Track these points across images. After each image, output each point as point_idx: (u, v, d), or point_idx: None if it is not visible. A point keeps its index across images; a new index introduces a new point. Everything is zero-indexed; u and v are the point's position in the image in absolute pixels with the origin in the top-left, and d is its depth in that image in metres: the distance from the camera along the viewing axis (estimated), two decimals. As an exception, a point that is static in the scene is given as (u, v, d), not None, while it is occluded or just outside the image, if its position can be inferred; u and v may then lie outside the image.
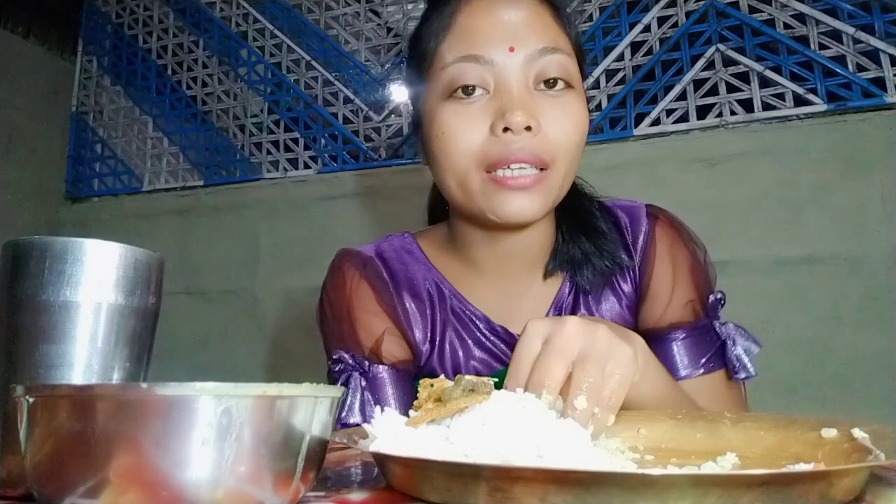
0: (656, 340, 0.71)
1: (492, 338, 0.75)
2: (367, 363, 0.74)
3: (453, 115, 0.66)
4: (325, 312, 0.79)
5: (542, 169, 0.65)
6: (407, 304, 0.77)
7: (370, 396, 0.72)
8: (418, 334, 0.76)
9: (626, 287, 0.76)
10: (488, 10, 0.67)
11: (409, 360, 0.76)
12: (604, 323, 0.50)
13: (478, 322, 0.75)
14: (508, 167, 0.64)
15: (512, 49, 0.65)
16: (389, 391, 0.72)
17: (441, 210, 0.83)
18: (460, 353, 0.75)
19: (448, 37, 0.68)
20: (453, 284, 0.77)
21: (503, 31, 0.66)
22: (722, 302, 0.75)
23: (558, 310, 0.76)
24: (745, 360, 0.70)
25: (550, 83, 0.66)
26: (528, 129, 0.63)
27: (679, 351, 0.71)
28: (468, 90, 0.66)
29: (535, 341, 0.49)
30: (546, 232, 0.75)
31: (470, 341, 0.75)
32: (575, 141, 0.67)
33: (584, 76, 0.73)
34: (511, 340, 0.74)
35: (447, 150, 0.66)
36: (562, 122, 0.66)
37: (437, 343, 0.76)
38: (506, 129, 0.63)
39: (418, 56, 0.72)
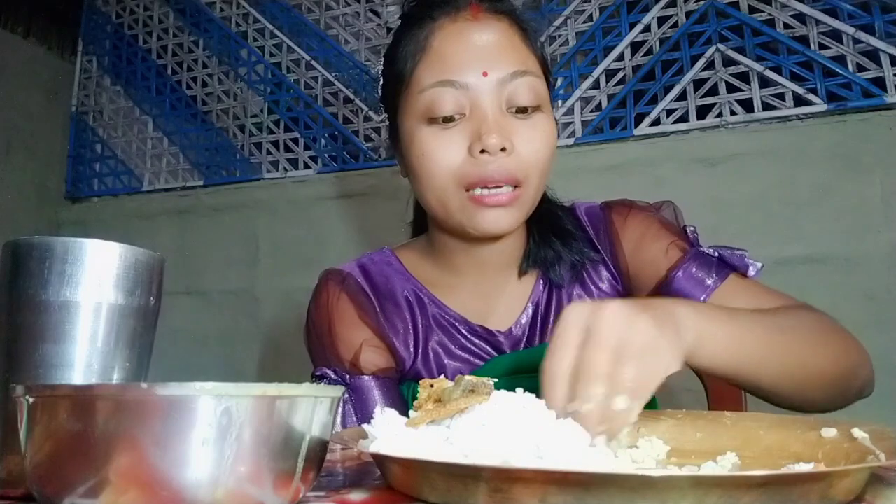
0: (665, 289, 0.73)
1: (472, 338, 0.78)
2: (347, 376, 0.76)
3: (433, 138, 0.70)
4: (310, 332, 0.82)
5: (516, 186, 0.69)
6: (389, 314, 0.79)
7: (352, 410, 0.74)
8: (402, 342, 0.78)
9: (602, 284, 0.80)
10: (461, 34, 0.71)
11: (390, 368, 0.78)
12: (646, 310, 0.49)
13: (458, 325, 0.79)
14: (486, 187, 0.68)
15: (485, 74, 0.69)
16: (375, 395, 0.74)
17: (423, 223, 0.87)
18: (443, 356, 0.78)
19: (423, 60, 0.72)
20: (432, 291, 0.80)
21: (476, 55, 0.70)
22: (696, 233, 0.78)
23: (534, 305, 0.79)
24: (747, 259, 0.73)
25: (522, 108, 0.71)
26: (503, 149, 0.67)
27: (688, 282, 0.73)
28: (447, 116, 0.69)
29: (573, 330, 0.48)
30: (519, 237, 0.79)
31: (451, 345, 0.79)
32: (545, 158, 0.71)
33: (552, 87, 0.78)
34: (490, 337, 0.78)
35: (429, 171, 0.70)
36: (533, 142, 0.70)
37: (420, 350, 0.78)
38: (482, 151, 0.67)
39: (394, 75, 0.75)
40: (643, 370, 0.46)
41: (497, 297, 0.80)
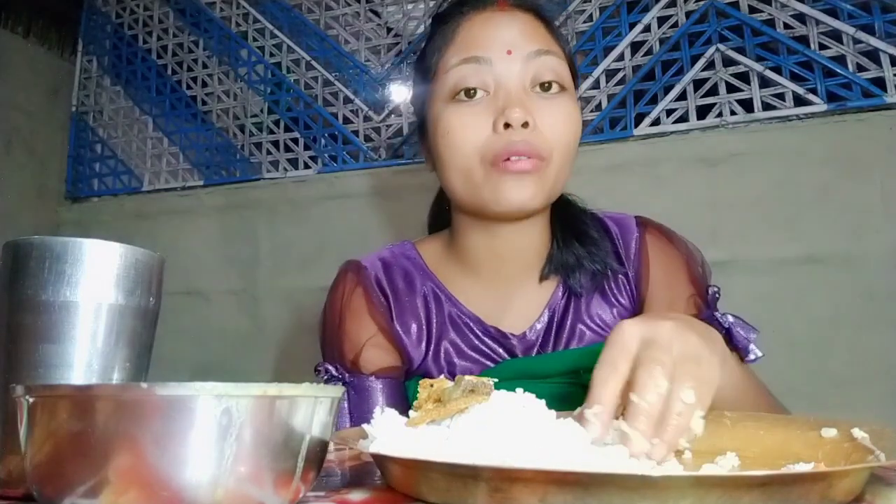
0: None
1: (485, 339, 0.78)
2: (347, 374, 0.76)
3: (458, 115, 0.71)
4: (324, 326, 0.82)
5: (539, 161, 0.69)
6: (404, 310, 0.79)
7: (346, 408, 0.75)
8: (414, 337, 0.78)
9: (622, 297, 0.79)
10: (487, 22, 0.73)
11: (394, 367, 0.78)
12: (693, 328, 0.50)
13: (472, 325, 0.78)
14: (508, 159, 0.68)
15: (510, 52, 0.70)
16: (376, 395, 0.75)
17: (441, 220, 0.87)
18: (454, 355, 0.78)
19: (450, 48, 0.74)
20: (449, 288, 0.80)
21: (501, 37, 0.72)
22: (717, 296, 0.78)
23: (551, 312, 0.78)
24: (750, 344, 0.73)
25: (545, 86, 0.72)
26: (526, 125, 0.68)
27: None
28: (470, 92, 0.71)
29: (631, 341, 0.48)
30: (541, 236, 0.79)
31: (463, 344, 0.78)
32: (569, 139, 0.71)
33: (577, 87, 0.78)
34: (503, 339, 0.77)
35: (453, 147, 0.71)
36: (556, 121, 0.70)
37: (432, 346, 0.78)
38: (506, 126, 0.68)
39: (423, 69, 0.77)
40: (703, 375, 0.46)
41: (514, 299, 0.79)
